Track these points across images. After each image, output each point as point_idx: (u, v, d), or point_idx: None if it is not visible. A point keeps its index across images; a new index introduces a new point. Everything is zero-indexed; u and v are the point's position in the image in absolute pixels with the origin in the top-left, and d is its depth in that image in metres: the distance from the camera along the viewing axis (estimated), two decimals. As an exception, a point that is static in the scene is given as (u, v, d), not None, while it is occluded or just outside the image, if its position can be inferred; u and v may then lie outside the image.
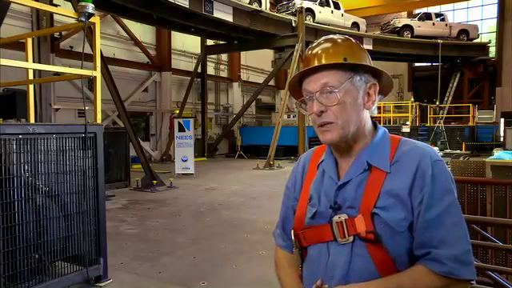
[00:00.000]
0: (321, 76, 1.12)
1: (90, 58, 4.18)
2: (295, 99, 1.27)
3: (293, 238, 1.23)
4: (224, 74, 22.29)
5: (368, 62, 1.16)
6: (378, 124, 1.21)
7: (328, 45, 1.16)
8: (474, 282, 1.10)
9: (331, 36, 1.20)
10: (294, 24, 16.48)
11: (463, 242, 1.05)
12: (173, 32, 17.47)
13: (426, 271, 1.04)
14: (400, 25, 22.06)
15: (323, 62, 1.12)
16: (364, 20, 21.66)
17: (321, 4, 18.82)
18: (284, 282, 1.28)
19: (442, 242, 1.03)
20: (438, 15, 23.62)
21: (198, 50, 18.73)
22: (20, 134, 3.19)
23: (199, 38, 18.11)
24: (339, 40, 1.17)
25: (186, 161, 12.11)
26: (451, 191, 1.08)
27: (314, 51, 1.16)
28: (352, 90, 1.12)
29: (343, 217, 1.11)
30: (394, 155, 1.12)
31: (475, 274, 1.05)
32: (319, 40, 1.20)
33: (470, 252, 1.05)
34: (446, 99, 23.17)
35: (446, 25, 23.12)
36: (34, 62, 6.31)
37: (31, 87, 4.53)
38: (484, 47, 24.24)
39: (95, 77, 4.09)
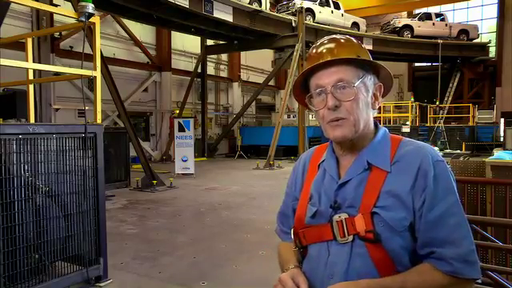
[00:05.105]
0: (334, 71, 1.12)
1: (90, 58, 4.18)
2: (295, 97, 1.27)
3: (292, 237, 1.23)
4: (224, 73, 22.28)
5: None
6: (379, 124, 1.22)
7: (334, 43, 1.16)
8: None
9: (334, 36, 1.20)
10: (294, 24, 16.48)
11: (467, 242, 1.04)
12: (173, 32, 17.47)
13: (432, 268, 1.04)
14: (400, 25, 22.08)
15: (337, 56, 1.12)
16: (364, 20, 21.69)
17: (321, 4, 18.83)
18: (282, 257, 1.29)
19: (446, 241, 1.03)
20: (437, 15, 23.62)
21: (198, 50, 18.74)
22: (20, 134, 3.19)
23: (199, 38, 18.12)
24: (342, 40, 1.18)
25: (186, 161, 12.11)
26: (453, 191, 1.08)
27: (321, 49, 1.16)
28: (364, 88, 1.13)
29: (343, 216, 1.11)
30: (394, 155, 1.13)
31: (480, 273, 1.06)
32: (322, 40, 1.20)
33: (474, 251, 1.05)
34: (446, 99, 23.16)
35: (446, 25, 23.12)
36: (34, 61, 6.31)
37: (31, 87, 4.53)
38: (484, 47, 24.23)
39: (95, 77, 4.09)
